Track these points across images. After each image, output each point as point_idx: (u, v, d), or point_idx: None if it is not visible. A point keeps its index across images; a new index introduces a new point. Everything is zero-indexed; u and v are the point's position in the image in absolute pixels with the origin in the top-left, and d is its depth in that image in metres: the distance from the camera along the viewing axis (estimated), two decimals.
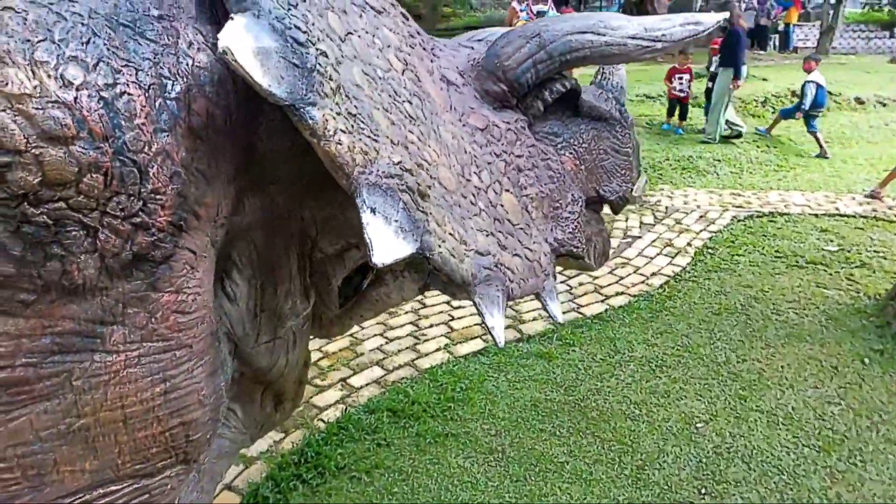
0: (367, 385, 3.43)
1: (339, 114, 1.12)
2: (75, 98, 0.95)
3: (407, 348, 3.79)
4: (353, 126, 1.14)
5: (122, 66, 1.01)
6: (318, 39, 1.14)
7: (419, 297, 4.32)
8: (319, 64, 1.10)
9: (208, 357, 1.24)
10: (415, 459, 2.87)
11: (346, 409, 3.22)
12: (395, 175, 1.19)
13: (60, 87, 0.94)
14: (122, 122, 1.00)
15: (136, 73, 1.03)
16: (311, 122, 1.06)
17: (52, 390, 1.06)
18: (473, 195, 1.49)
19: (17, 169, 0.92)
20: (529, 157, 1.75)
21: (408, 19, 1.66)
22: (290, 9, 1.12)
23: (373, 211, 1.12)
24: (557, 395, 3.33)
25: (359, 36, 1.30)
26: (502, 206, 1.59)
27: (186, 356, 1.19)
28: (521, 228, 1.64)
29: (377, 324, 4.04)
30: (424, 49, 1.65)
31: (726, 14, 2.28)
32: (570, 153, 1.96)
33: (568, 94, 1.92)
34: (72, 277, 1.01)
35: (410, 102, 1.38)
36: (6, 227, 0.94)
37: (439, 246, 1.27)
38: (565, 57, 1.75)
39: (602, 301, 4.39)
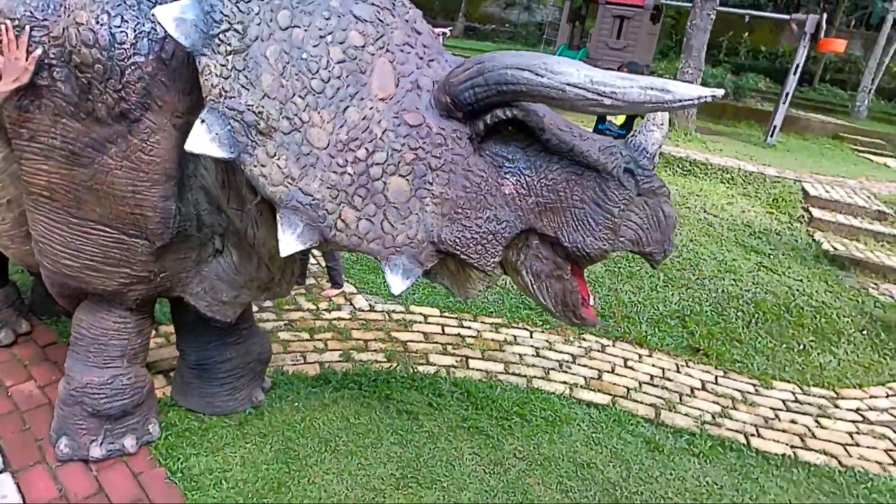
0: (480, 370, 3.82)
1: (223, 65, 1.90)
2: (97, 29, 1.99)
3: (572, 375, 3.95)
4: (229, 74, 1.90)
5: (130, 18, 2.01)
6: (239, 22, 1.91)
7: (634, 354, 4.33)
8: (224, 33, 1.90)
9: (161, 186, 2.18)
10: (454, 433, 3.21)
11: (454, 374, 3.70)
12: (236, 109, 1.89)
13: (95, 23, 1.99)
14: (116, 44, 2.00)
15: (136, 23, 2.01)
16: (198, 63, 1.90)
17: (86, 163, 2.17)
18: (346, 160, 1.95)
19: (74, 55, 2.02)
20: (449, 162, 2.00)
21: (420, 34, 2.16)
22: (231, 1, 1.91)
23: (202, 121, 1.88)
24: (619, 479, 3.08)
25: (304, 30, 1.96)
26: (385, 183, 1.97)
27: (146, 178, 2.16)
28: (396, 207, 1.99)
29: (564, 355, 4.27)
30: (420, 58, 2.11)
31: (719, 91, 1.79)
32: (517, 181, 2.06)
33: (514, 124, 2.04)
34: (96, 113, 2.08)
35: (324, 81, 1.95)
36: (70, 81, 2.06)
37: (254, 166, 1.92)
38: (500, 87, 1.89)
39: (850, 445, 3.54)
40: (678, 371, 4.19)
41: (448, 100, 2.00)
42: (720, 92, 1.80)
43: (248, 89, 1.90)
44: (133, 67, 2.02)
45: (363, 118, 1.97)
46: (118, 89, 2.03)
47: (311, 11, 1.99)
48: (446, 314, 4.43)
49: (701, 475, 3.18)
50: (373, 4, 2.08)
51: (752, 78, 16.55)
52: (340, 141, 1.95)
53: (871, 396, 4.25)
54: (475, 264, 2.05)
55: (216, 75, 1.89)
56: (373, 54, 2.03)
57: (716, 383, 4.12)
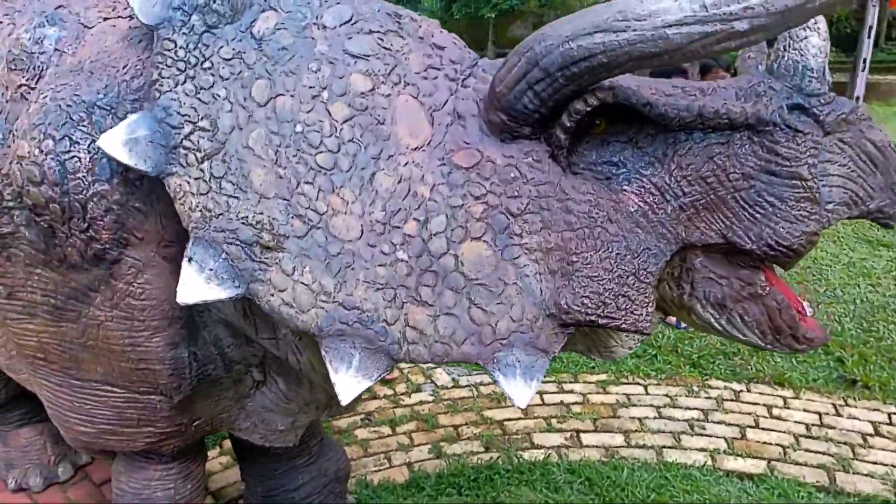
0: (596, 446, 3.18)
1: (197, 178, 1.43)
2: (42, 160, 1.58)
3: (708, 437, 3.27)
4: (209, 188, 1.42)
5: (81, 138, 1.57)
6: (204, 117, 1.45)
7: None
8: (189, 138, 1.43)
9: (164, 333, 1.71)
10: None
11: (567, 456, 3.09)
12: (227, 229, 1.40)
13: (39, 152, 1.58)
14: (69, 175, 1.57)
15: (90, 142, 1.57)
16: (168, 188, 1.43)
17: (73, 317, 1.73)
18: (392, 244, 1.41)
19: (24, 196, 1.62)
20: (537, 198, 1.44)
21: (442, 49, 1.62)
22: (188, 95, 1.46)
23: (189, 259, 1.39)
24: None
25: (291, 96, 1.47)
26: (456, 256, 1.41)
27: (142, 327, 1.70)
28: (481, 283, 1.40)
29: (692, 411, 3.59)
30: (451, 79, 1.58)
31: None
32: (640, 188, 1.47)
33: (604, 114, 1.45)
34: (68, 259, 1.65)
35: (333, 151, 1.45)
36: (32, 225, 1.65)
37: (272, 295, 1.39)
38: (569, 70, 1.34)
39: None
40: (838, 414, 3.41)
41: (503, 116, 1.45)
42: None
43: (237, 197, 1.42)
44: (96, 199, 1.58)
45: (399, 180, 1.44)
46: (84, 229, 1.60)
47: (293, 69, 1.49)
48: None
49: None
50: (371, 32, 1.58)
51: None
52: (378, 221, 1.42)
53: None
54: (624, 326, 1.43)
55: (193, 194, 1.42)
56: (388, 95, 1.51)
57: (891, 423, 3.33)
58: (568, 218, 1.44)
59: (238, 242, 1.39)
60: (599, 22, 1.29)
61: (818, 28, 1.46)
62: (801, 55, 1.46)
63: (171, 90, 1.47)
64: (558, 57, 1.33)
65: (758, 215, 1.43)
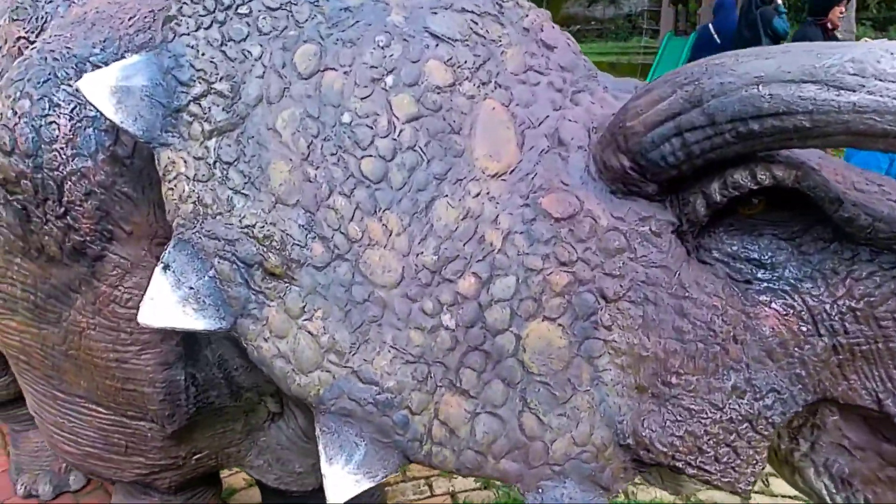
0: None
1: (198, 158, 1.11)
2: (14, 123, 1.28)
3: None
4: (211, 174, 1.10)
5: (63, 100, 1.28)
6: (226, 77, 1.13)
7: None
8: (198, 102, 1.11)
9: (158, 349, 1.43)
10: None
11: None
12: (224, 237, 1.09)
13: (12, 114, 1.29)
14: (44, 145, 1.27)
15: (74, 106, 1.28)
16: (157, 162, 1.12)
17: (54, 320, 1.46)
18: (438, 302, 1.10)
19: None
20: (643, 285, 1.12)
21: (552, 50, 1.33)
22: (211, 44, 1.14)
23: (165, 267, 1.08)
24: None
25: (344, 73, 1.17)
26: (518, 336, 1.11)
27: (130, 341, 1.42)
28: (544, 382, 1.11)
29: None
30: (557, 90, 1.29)
31: None
32: (786, 307, 1.15)
33: (768, 195, 1.14)
34: (46, 249, 1.37)
35: (385, 158, 1.14)
36: (6, 202, 1.36)
37: (265, 339, 1.08)
38: (746, 126, 0.99)
39: None
40: None
41: (626, 162, 1.12)
42: None
43: (245, 195, 1.10)
44: (75, 178, 1.28)
45: (464, 216, 1.14)
46: (60, 214, 1.31)
47: (354, 39, 1.18)
48: None
49: None
50: (463, 11, 1.26)
51: None
52: (426, 267, 1.11)
53: None
54: (719, 484, 1.16)
55: (188, 178, 1.10)
56: (471, 96, 1.21)
57: None
58: (679, 323, 1.12)
59: (234, 259, 1.08)
60: (815, 69, 0.92)
61: None
62: None
63: (189, 34, 1.13)
64: (736, 103, 0.98)
65: None
